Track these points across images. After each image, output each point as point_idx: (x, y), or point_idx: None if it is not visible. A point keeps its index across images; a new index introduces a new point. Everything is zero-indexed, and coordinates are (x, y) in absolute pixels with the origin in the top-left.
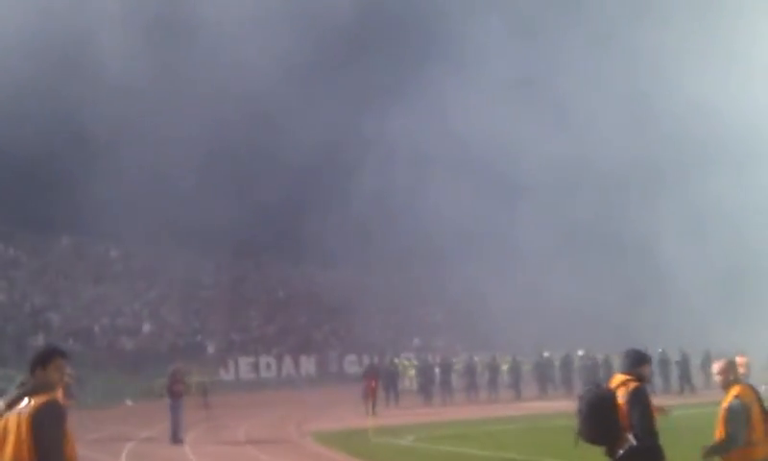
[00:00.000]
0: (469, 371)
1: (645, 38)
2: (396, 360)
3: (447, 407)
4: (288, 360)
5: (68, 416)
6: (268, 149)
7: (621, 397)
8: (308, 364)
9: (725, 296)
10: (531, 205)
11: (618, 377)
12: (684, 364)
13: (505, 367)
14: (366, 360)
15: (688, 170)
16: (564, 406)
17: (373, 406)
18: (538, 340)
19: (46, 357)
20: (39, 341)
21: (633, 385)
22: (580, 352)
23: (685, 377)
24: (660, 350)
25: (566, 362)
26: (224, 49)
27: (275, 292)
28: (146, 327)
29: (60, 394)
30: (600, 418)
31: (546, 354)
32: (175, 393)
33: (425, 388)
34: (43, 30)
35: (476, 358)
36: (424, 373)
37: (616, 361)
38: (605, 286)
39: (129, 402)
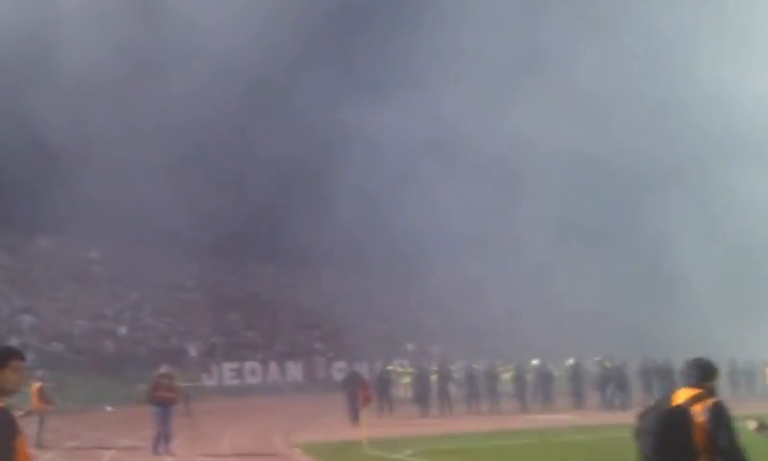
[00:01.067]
0: (469, 379)
1: (660, 28)
2: (390, 367)
3: (446, 418)
4: (273, 366)
5: (45, 422)
6: (250, 147)
7: (699, 414)
8: (295, 370)
9: (737, 298)
10: (533, 202)
11: (687, 392)
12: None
13: (507, 375)
14: (360, 368)
15: (704, 166)
16: (571, 420)
17: (356, 416)
18: (541, 346)
19: (2, 359)
20: (15, 344)
21: (712, 401)
22: (597, 358)
23: None
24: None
25: (576, 371)
26: (201, 44)
27: (259, 295)
28: (126, 331)
29: (35, 400)
30: (676, 440)
31: (550, 364)
32: (159, 400)
33: (422, 397)
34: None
35: (476, 366)
36: (420, 380)
37: (632, 368)
38: (613, 289)
39: (109, 408)
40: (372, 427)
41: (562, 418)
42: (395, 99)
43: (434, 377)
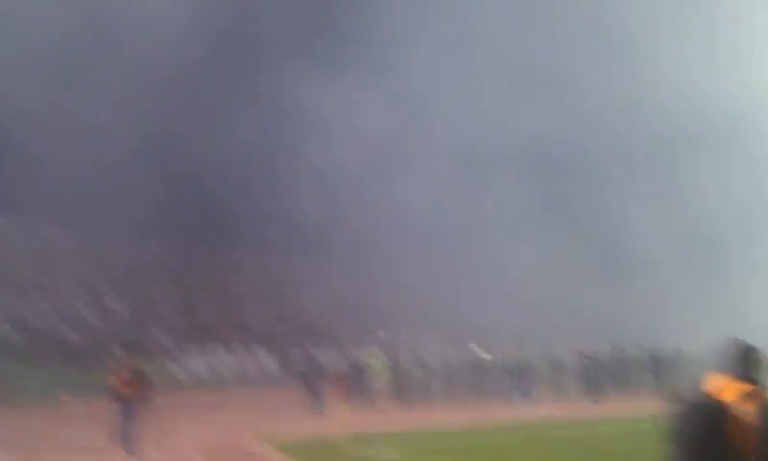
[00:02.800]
0: (449, 369)
1: (627, 16)
2: (366, 357)
3: (426, 412)
4: (246, 356)
5: None
6: (217, 129)
7: (748, 412)
8: (267, 360)
9: (701, 287)
10: (501, 187)
11: (732, 385)
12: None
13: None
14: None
15: (668, 153)
16: (553, 412)
17: (319, 407)
18: (512, 332)
19: None
20: None
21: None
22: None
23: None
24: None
25: (556, 361)
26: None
27: (230, 281)
28: (88, 316)
29: None
30: (718, 440)
31: (531, 352)
32: (124, 395)
33: (400, 389)
34: None
35: (460, 355)
36: (397, 371)
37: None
38: (582, 274)
39: (68, 400)
40: (347, 420)
41: (544, 410)
42: (363, 81)
43: (412, 367)
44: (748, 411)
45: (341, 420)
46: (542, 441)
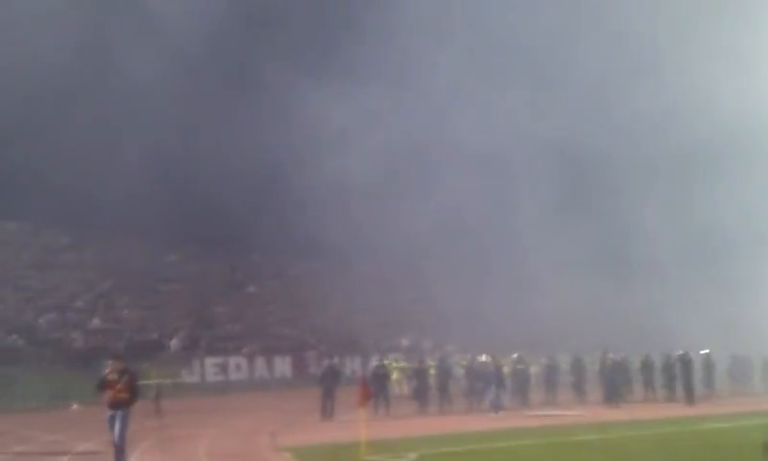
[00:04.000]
0: (472, 374)
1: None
2: (386, 361)
3: (446, 416)
4: (260, 361)
5: None
6: (235, 133)
7: None
8: (283, 365)
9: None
10: (530, 195)
11: None
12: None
13: (506, 369)
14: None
15: (689, 167)
16: (579, 416)
17: (330, 412)
18: (535, 340)
19: None
20: None
21: None
22: (611, 354)
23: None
24: (680, 352)
25: (578, 365)
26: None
27: (244, 286)
28: (98, 323)
29: None
30: None
31: (556, 357)
32: (113, 401)
33: (421, 394)
34: None
35: (481, 359)
36: (420, 376)
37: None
38: (607, 285)
39: (75, 406)
40: (368, 427)
41: (567, 414)
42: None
43: (432, 373)
44: None
45: (360, 426)
46: (564, 446)
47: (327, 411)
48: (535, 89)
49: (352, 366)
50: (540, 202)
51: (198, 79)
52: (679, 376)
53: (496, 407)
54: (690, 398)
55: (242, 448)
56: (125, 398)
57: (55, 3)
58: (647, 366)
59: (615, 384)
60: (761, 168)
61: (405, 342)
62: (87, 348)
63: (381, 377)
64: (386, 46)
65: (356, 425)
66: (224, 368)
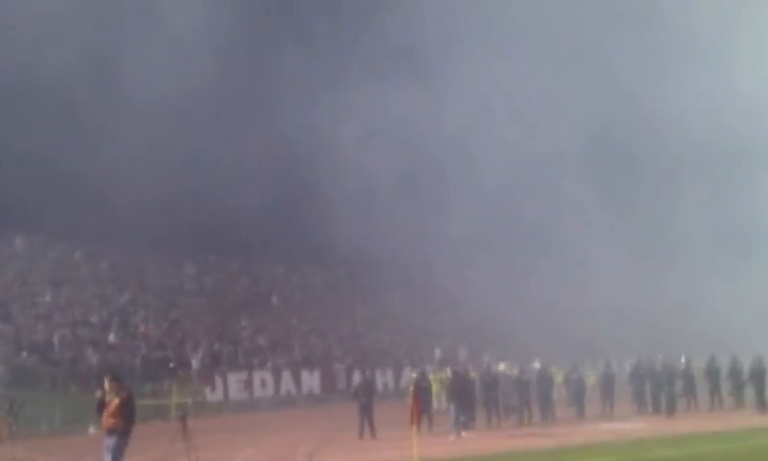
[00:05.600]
0: (520, 384)
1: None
2: (431, 375)
3: (494, 431)
4: (286, 376)
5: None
6: (253, 139)
7: None
8: (310, 380)
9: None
10: (566, 194)
11: None
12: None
13: (560, 379)
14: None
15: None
16: (639, 428)
17: (371, 430)
18: (573, 347)
19: None
20: None
21: None
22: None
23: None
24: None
25: (637, 372)
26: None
27: (268, 297)
28: (115, 339)
29: None
30: None
31: (613, 365)
32: (105, 426)
33: (466, 407)
34: None
35: (532, 369)
36: (463, 388)
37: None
38: (645, 289)
39: (92, 430)
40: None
41: (629, 427)
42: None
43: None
44: None
45: (412, 446)
46: None
47: (366, 429)
48: (569, 81)
49: (384, 379)
50: (577, 200)
51: (214, 86)
52: (748, 382)
53: (457, 429)
54: (763, 405)
55: None
56: (113, 423)
57: (63, 15)
58: (712, 371)
59: (674, 393)
60: None
61: (438, 352)
62: (103, 366)
63: (424, 391)
64: (407, 42)
65: (399, 444)
66: (248, 384)
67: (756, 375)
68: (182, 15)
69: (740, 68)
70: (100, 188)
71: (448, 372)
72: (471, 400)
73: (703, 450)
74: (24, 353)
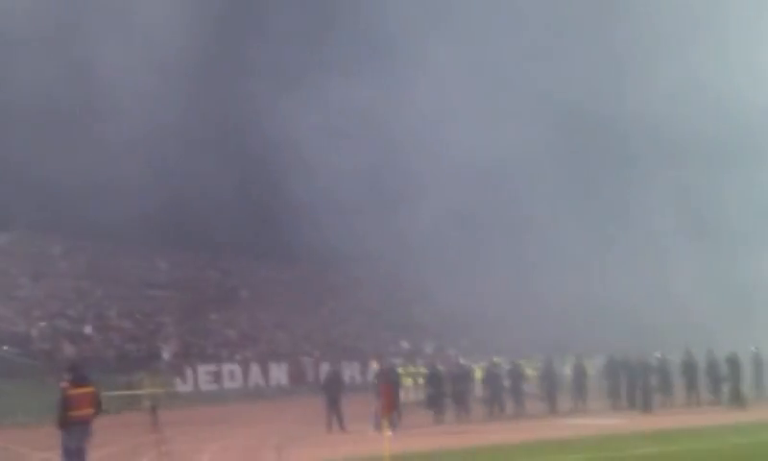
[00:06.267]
0: (492, 379)
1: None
2: (400, 368)
3: (464, 425)
4: (255, 368)
5: None
6: (227, 135)
7: None
8: (279, 372)
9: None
10: (530, 187)
11: None
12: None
13: (532, 373)
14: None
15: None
16: (615, 424)
17: (340, 424)
18: (543, 340)
19: None
20: None
21: None
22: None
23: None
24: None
25: (611, 366)
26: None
27: (237, 291)
28: (90, 332)
29: None
30: None
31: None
32: (78, 419)
33: (436, 401)
34: None
35: (500, 363)
36: (435, 382)
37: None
38: (613, 278)
39: None
40: (384, 440)
41: (601, 422)
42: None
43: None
44: None
45: (383, 439)
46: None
47: (334, 422)
48: (537, 72)
49: (351, 372)
50: (542, 195)
51: (183, 83)
52: (726, 378)
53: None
54: (739, 401)
55: None
56: (90, 413)
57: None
58: (689, 366)
59: (650, 388)
60: None
61: (406, 345)
62: (80, 358)
63: (393, 385)
64: (374, 36)
65: (368, 439)
66: (217, 376)
67: (732, 370)
68: (149, 11)
69: (704, 61)
70: (77, 186)
71: (422, 366)
72: (443, 395)
73: (681, 448)
74: (5, 347)
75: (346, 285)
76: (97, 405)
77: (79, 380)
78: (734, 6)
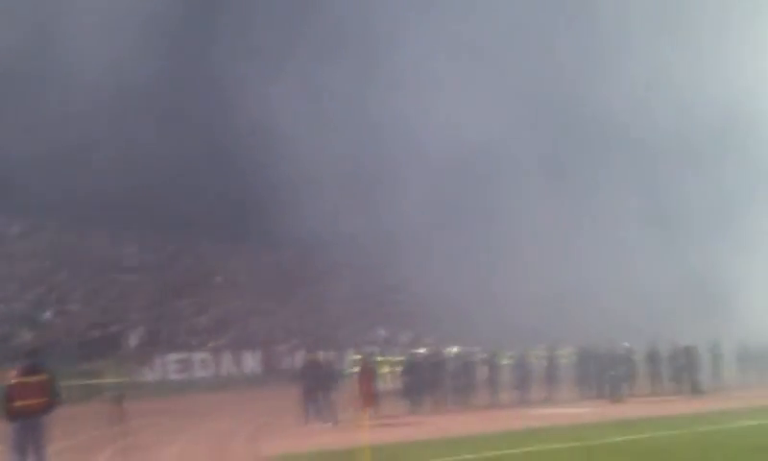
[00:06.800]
0: (467, 368)
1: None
2: (380, 357)
3: (441, 416)
4: (227, 356)
5: None
6: (198, 116)
7: None
8: (252, 361)
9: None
10: (509, 176)
11: None
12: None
13: (507, 362)
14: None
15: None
16: (588, 414)
17: (316, 413)
18: (516, 332)
19: None
20: None
21: None
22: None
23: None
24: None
25: (581, 357)
26: None
27: (210, 276)
28: (50, 317)
29: None
30: None
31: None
32: (22, 411)
33: (413, 391)
34: None
35: (476, 352)
36: (412, 372)
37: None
38: (580, 268)
39: None
40: (354, 429)
41: (572, 412)
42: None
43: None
44: None
45: (362, 430)
46: (600, 449)
47: (312, 413)
48: (511, 65)
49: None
50: (521, 183)
51: (158, 65)
52: (684, 368)
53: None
54: (698, 390)
55: (219, 457)
56: (41, 403)
57: None
58: (654, 356)
59: (619, 378)
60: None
61: (382, 333)
62: (39, 345)
63: (372, 374)
64: (355, 24)
65: (346, 429)
66: (187, 365)
67: (690, 360)
68: None
69: (673, 58)
70: (39, 163)
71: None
72: (422, 382)
73: (647, 436)
74: None
75: (322, 272)
76: (51, 395)
77: (30, 368)
78: (702, 4)
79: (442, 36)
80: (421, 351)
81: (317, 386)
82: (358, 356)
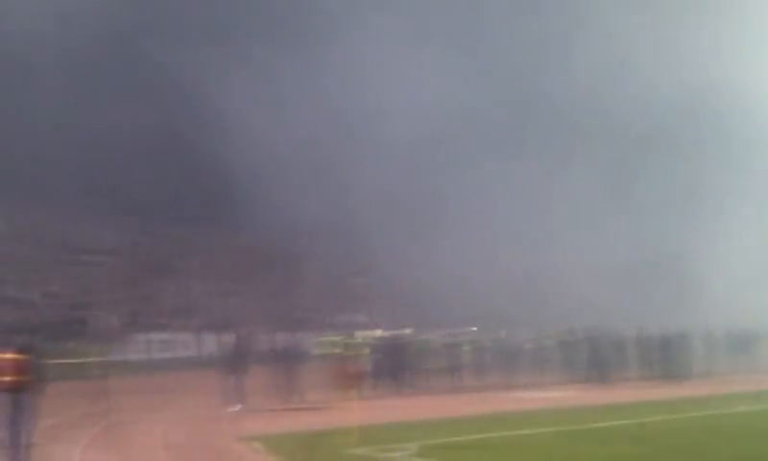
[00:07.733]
0: (451, 351)
1: None
2: (359, 339)
3: (422, 397)
4: (187, 336)
5: None
6: (171, 100)
7: None
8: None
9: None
10: (467, 166)
11: None
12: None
13: (467, 348)
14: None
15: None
16: (574, 398)
17: (242, 398)
18: (478, 315)
19: None
20: None
21: None
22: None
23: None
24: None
25: (569, 340)
26: None
27: (188, 257)
28: (32, 297)
29: None
30: None
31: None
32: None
33: (394, 372)
34: None
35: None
36: (393, 354)
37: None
38: (548, 256)
39: None
40: (342, 412)
41: (559, 395)
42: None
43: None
44: None
45: (352, 411)
46: (590, 433)
47: (235, 396)
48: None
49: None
50: (489, 165)
51: (116, 49)
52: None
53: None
54: (685, 375)
55: (201, 436)
56: (19, 381)
57: None
58: (642, 341)
59: (607, 362)
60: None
61: (353, 317)
62: (19, 325)
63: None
64: (320, 7)
65: (326, 411)
66: (170, 345)
67: (664, 346)
68: None
69: (637, 37)
70: (8, 143)
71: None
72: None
73: (635, 422)
74: None
75: (293, 256)
76: (31, 374)
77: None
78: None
79: (400, 18)
80: (380, 332)
81: (232, 368)
82: (339, 338)
